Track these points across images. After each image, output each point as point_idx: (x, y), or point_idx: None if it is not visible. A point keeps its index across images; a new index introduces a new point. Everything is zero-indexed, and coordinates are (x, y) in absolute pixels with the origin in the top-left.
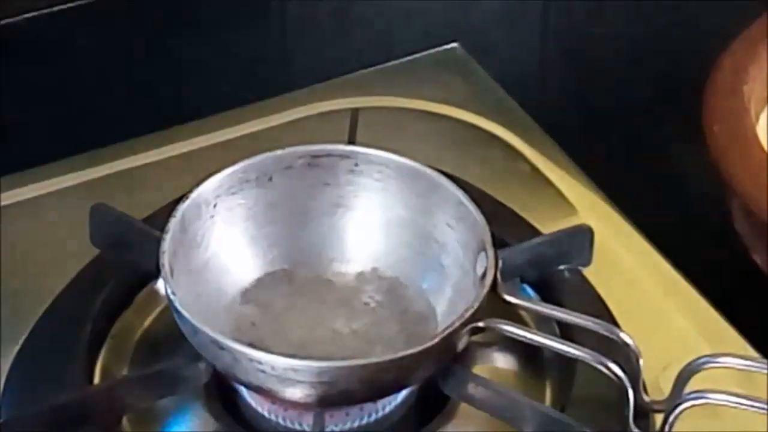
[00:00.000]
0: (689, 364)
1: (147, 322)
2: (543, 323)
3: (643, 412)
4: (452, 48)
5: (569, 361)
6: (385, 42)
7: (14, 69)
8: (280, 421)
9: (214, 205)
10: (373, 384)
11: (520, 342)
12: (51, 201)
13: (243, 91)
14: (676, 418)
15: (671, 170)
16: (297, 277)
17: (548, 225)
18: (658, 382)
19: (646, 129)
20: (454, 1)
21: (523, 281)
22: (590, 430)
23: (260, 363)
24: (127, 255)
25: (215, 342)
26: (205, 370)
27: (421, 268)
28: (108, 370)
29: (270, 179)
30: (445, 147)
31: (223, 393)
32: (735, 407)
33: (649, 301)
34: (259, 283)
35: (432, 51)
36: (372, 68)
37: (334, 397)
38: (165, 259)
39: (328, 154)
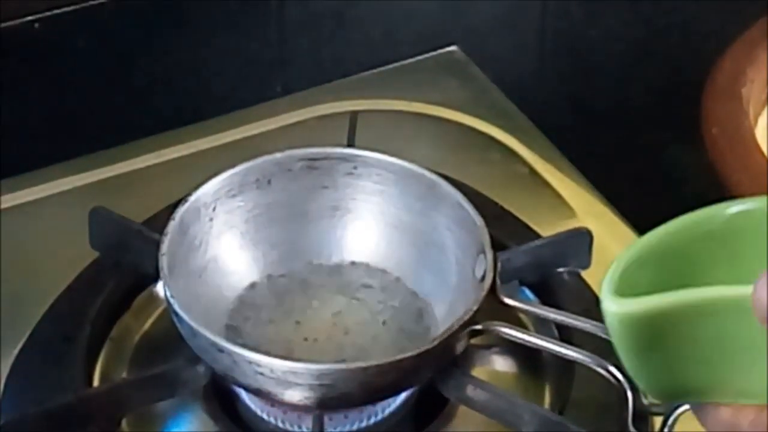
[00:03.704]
0: None
1: (146, 325)
2: (542, 326)
3: (642, 415)
4: (451, 51)
5: (568, 364)
6: (384, 45)
7: (14, 72)
8: (279, 423)
9: (213, 208)
10: (372, 386)
11: (519, 344)
12: (50, 204)
13: (242, 94)
14: (675, 420)
15: (670, 172)
16: (296, 279)
17: (547, 227)
18: None
19: (645, 131)
20: (452, 4)
21: (522, 284)
22: None
23: (259, 365)
24: (127, 258)
25: (214, 344)
26: (204, 372)
27: (420, 271)
28: (107, 372)
29: (269, 182)
30: (443, 150)
31: (221, 395)
32: None
33: None
34: (258, 285)
35: (431, 54)
36: (371, 71)
37: (333, 399)
38: (164, 262)
39: (327, 157)
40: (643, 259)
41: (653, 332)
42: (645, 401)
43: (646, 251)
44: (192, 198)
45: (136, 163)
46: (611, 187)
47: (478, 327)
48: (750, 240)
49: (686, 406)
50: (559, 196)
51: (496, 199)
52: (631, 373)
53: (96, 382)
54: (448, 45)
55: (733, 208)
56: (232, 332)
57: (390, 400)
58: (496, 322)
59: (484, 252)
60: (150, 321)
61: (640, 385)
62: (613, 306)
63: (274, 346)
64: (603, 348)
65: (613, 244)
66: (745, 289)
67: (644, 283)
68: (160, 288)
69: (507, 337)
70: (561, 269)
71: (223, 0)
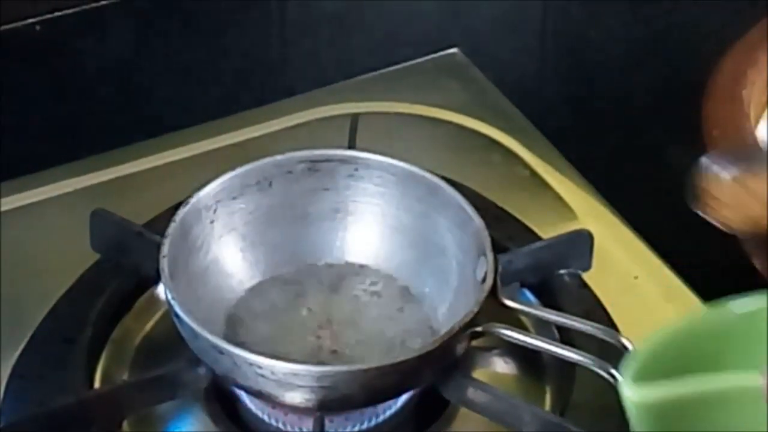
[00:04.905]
0: None
1: (147, 327)
2: (543, 328)
3: None
4: (452, 53)
5: (569, 366)
6: (385, 47)
7: (15, 74)
8: (280, 425)
9: (214, 210)
10: (373, 388)
11: (520, 346)
12: (51, 206)
13: (243, 96)
14: None
15: (671, 174)
16: (297, 281)
17: (548, 229)
18: None
19: (645, 133)
20: (453, 6)
21: (522, 286)
22: None
23: (260, 367)
24: (128, 260)
25: (215, 346)
26: (205, 374)
27: (421, 273)
28: (108, 374)
29: (270, 184)
30: (444, 152)
31: (222, 397)
32: None
33: (649, 305)
34: (259, 287)
35: (432, 56)
36: (372, 73)
37: (334, 401)
38: (165, 264)
39: (328, 159)
40: (659, 354)
41: (669, 419)
42: None
43: (662, 347)
44: (193, 200)
45: (137, 165)
46: (612, 189)
47: (479, 329)
48: (758, 337)
49: None
50: (559, 197)
51: (497, 201)
52: None
53: (97, 384)
54: (449, 47)
55: (740, 308)
56: (233, 334)
57: (391, 402)
58: (496, 324)
59: (484, 254)
60: (151, 323)
61: None
62: (629, 392)
63: (275, 347)
64: (604, 350)
65: (614, 245)
66: (756, 377)
67: (660, 376)
68: (161, 290)
69: (508, 339)
70: (562, 271)
71: (224, 2)
